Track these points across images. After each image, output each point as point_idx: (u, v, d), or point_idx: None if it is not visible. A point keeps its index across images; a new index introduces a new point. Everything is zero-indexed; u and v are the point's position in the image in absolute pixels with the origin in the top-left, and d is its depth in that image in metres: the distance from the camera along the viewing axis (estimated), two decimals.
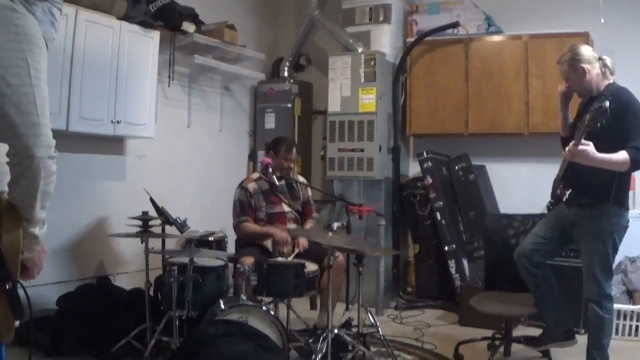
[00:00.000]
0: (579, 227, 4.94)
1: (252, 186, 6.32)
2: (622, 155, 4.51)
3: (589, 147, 4.42)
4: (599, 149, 4.44)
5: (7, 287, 2.21)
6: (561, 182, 5.07)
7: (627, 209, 4.88)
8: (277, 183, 6.26)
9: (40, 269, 2.48)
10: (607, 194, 4.71)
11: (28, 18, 2.22)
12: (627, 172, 4.67)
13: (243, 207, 6.26)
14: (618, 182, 4.71)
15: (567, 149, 4.58)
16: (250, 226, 6.21)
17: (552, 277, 5.24)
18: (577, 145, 4.42)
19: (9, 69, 2.14)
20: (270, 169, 6.19)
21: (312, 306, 6.48)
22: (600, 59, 4.91)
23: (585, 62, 4.84)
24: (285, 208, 6.37)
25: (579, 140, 4.41)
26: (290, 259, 5.78)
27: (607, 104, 4.20)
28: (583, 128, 4.37)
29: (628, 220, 4.90)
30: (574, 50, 4.95)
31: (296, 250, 6.06)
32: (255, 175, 6.53)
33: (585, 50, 4.92)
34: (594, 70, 4.87)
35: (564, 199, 5.07)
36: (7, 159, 2.23)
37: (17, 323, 2.28)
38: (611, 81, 4.91)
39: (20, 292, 2.30)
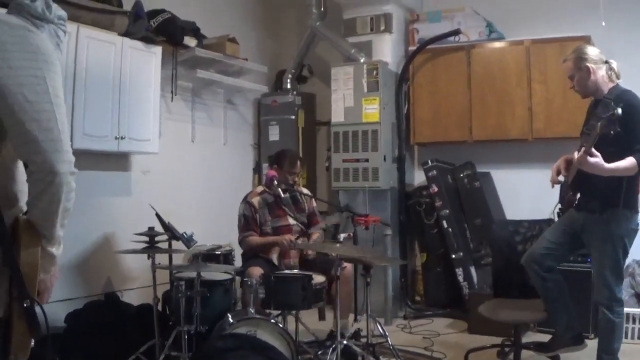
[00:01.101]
0: (589, 232, 4.93)
1: (256, 200, 6.32)
2: (629, 161, 4.52)
3: (598, 158, 4.42)
4: (606, 152, 4.45)
5: (25, 305, 2.20)
6: (570, 187, 5.06)
7: (637, 211, 4.88)
8: (282, 195, 6.25)
9: (51, 293, 2.49)
10: (617, 198, 4.71)
11: (43, 37, 2.24)
12: (635, 175, 4.67)
13: (247, 222, 6.27)
14: (627, 185, 4.71)
15: (576, 156, 4.59)
16: (255, 239, 6.21)
17: (563, 282, 5.23)
18: (587, 154, 4.42)
19: (29, 86, 2.16)
20: (275, 182, 6.18)
21: (321, 317, 6.47)
22: (606, 62, 4.90)
23: (590, 62, 4.84)
24: (291, 221, 6.36)
25: (589, 149, 4.41)
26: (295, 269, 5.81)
27: (620, 111, 4.19)
28: (594, 136, 4.36)
29: (638, 224, 4.90)
30: (581, 49, 4.96)
31: (309, 255, 6.09)
32: (260, 188, 6.54)
33: (592, 51, 4.92)
34: (599, 71, 4.86)
35: (574, 204, 5.07)
36: (28, 177, 2.23)
37: (32, 342, 2.28)
38: (616, 84, 4.90)
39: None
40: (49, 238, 2.31)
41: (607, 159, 4.47)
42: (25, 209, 2.34)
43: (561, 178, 5.14)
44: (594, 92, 4.93)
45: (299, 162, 6.52)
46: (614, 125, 4.26)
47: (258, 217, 6.27)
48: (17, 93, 2.14)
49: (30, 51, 2.19)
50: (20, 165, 2.31)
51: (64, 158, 2.22)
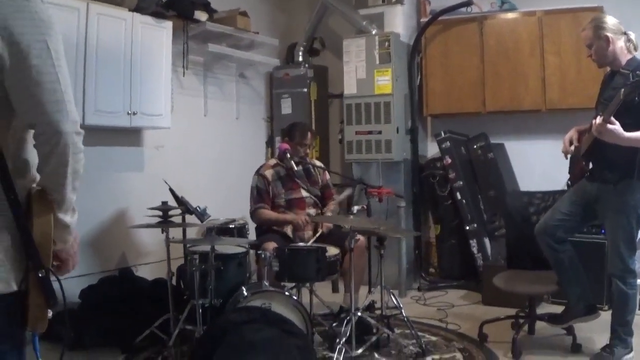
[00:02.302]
0: (602, 203, 4.92)
1: (269, 173, 6.32)
2: None
3: (617, 125, 4.40)
4: (623, 124, 4.42)
5: (40, 275, 2.21)
6: (583, 157, 5.03)
7: None
8: (295, 168, 6.25)
9: (76, 261, 2.49)
10: (632, 169, 4.68)
11: (41, 4, 2.24)
12: None
13: (260, 194, 6.26)
14: None
15: (594, 125, 4.56)
16: (267, 213, 6.22)
17: (575, 253, 5.21)
18: (606, 122, 4.40)
19: (31, 51, 2.16)
20: (289, 155, 6.18)
21: (335, 290, 6.48)
22: (625, 33, 4.86)
23: (609, 32, 4.78)
24: (304, 193, 6.36)
25: (609, 117, 4.39)
26: (311, 242, 5.81)
27: None
28: (615, 103, 4.33)
29: None
30: (600, 19, 4.90)
31: (319, 231, 6.09)
32: (273, 161, 6.53)
33: (611, 21, 4.85)
34: (618, 42, 4.79)
35: (586, 175, 5.05)
36: (35, 141, 2.24)
37: (50, 314, 2.29)
38: (633, 56, 4.86)
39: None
40: (60, 203, 2.30)
41: (624, 130, 4.44)
42: (36, 179, 2.34)
43: (573, 148, 5.11)
44: (611, 62, 4.88)
45: (309, 134, 6.51)
46: (638, 91, 4.24)
47: (271, 189, 6.27)
48: (20, 59, 2.15)
49: (31, 18, 2.18)
50: (30, 136, 2.31)
51: (69, 117, 2.22)
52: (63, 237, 2.36)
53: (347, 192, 6.74)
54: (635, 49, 4.87)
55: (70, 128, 2.22)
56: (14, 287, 2.21)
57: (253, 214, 6.32)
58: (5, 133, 2.23)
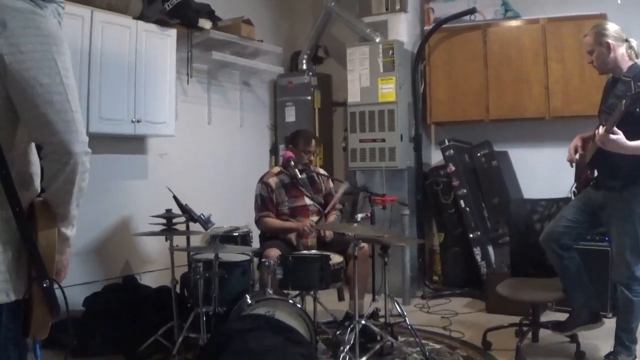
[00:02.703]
0: (608, 210, 4.92)
1: (273, 181, 6.33)
2: None
3: (619, 135, 4.40)
4: (625, 131, 4.42)
5: (44, 285, 2.23)
6: (588, 166, 5.03)
7: None
8: (299, 176, 6.27)
9: (66, 273, 2.51)
10: (637, 177, 4.70)
11: (49, 19, 2.25)
12: None
13: (264, 202, 6.28)
14: None
15: (597, 135, 4.57)
16: (272, 221, 6.23)
17: (580, 260, 5.21)
18: (608, 132, 4.41)
19: (41, 69, 2.18)
20: (292, 163, 6.20)
21: (340, 298, 6.48)
22: (626, 40, 4.86)
23: (611, 39, 4.78)
24: (308, 201, 6.37)
25: (611, 127, 4.40)
26: (313, 249, 5.83)
27: None
28: (618, 114, 4.34)
29: None
30: (602, 25, 4.91)
31: (325, 235, 6.10)
32: (276, 169, 6.55)
33: (613, 28, 4.86)
34: (619, 49, 4.80)
35: (592, 183, 5.06)
36: (43, 159, 2.26)
37: (50, 322, 2.31)
38: (634, 63, 4.86)
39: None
40: (64, 218, 2.34)
41: (628, 138, 4.43)
42: (39, 190, 2.37)
43: (578, 156, 5.12)
44: (612, 69, 4.89)
45: (313, 141, 6.53)
46: (639, 103, 4.24)
47: (275, 197, 6.28)
48: (29, 78, 2.16)
49: (40, 34, 2.19)
50: (33, 148, 2.33)
51: (79, 139, 2.24)
52: (62, 249, 2.39)
53: (344, 187, 6.70)
54: (637, 56, 4.87)
55: (80, 148, 2.25)
56: (13, 297, 2.24)
57: (258, 222, 6.34)
58: (10, 146, 2.25)
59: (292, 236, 6.20)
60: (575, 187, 5.34)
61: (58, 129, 2.19)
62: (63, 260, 2.44)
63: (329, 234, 6.22)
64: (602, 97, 5.11)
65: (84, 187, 2.34)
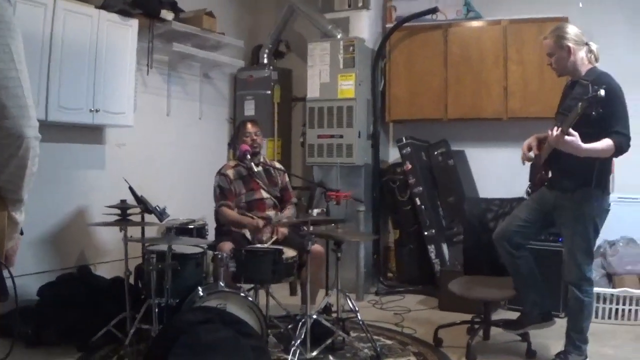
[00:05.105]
0: (560, 210, 4.98)
1: (231, 172, 6.33)
2: (606, 142, 4.56)
3: (575, 137, 4.46)
4: (582, 133, 4.48)
5: None
6: (543, 166, 5.09)
7: (608, 192, 4.92)
8: (255, 170, 6.30)
9: (15, 258, 2.51)
10: (589, 178, 4.75)
11: (3, 4, 2.25)
12: (609, 157, 4.72)
13: (223, 192, 6.26)
14: (600, 166, 4.74)
15: (552, 135, 4.62)
16: (229, 212, 6.21)
17: (532, 259, 5.27)
18: (564, 134, 4.46)
19: None
20: (249, 156, 6.21)
21: (292, 292, 6.50)
22: (587, 43, 4.91)
23: (571, 42, 4.83)
24: (264, 194, 6.37)
25: (567, 128, 4.45)
26: (268, 244, 5.83)
27: (603, 93, 4.22)
28: (573, 116, 4.40)
29: (609, 204, 4.95)
30: (562, 28, 4.94)
31: (273, 237, 6.09)
32: (233, 162, 6.54)
33: (573, 31, 4.90)
34: (579, 52, 4.86)
35: (545, 183, 5.12)
36: None
37: None
38: (593, 66, 4.92)
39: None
40: (15, 203, 2.34)
41: (583, 140, 4.49)
42: None
43: (531, 154, 5.18)
44: (571, 72, 4.94)
45: (249, 124, 6.50)
46: (596, 106, 4.30)
47: (233, 188, 6.27)
48: None
49: None
50: None
51: (31, 123, 2.25)
52: (11, 234, 2.38)
53: (315, 210, 6.75)
54: (597, 60, 4.92)
55: (31, 133, 2.26)
56: None
57: (217, 211, 6.34)
58: None
59: (247, 230, 6.20)
60: (530, 187, 5.39)
61: (12, 113, 2.19)
62: (13, 245, 2.44)
63: (281, 234, 6.20)
64: (560, 100, 5.17)
65: (34, 172, 2.34)
